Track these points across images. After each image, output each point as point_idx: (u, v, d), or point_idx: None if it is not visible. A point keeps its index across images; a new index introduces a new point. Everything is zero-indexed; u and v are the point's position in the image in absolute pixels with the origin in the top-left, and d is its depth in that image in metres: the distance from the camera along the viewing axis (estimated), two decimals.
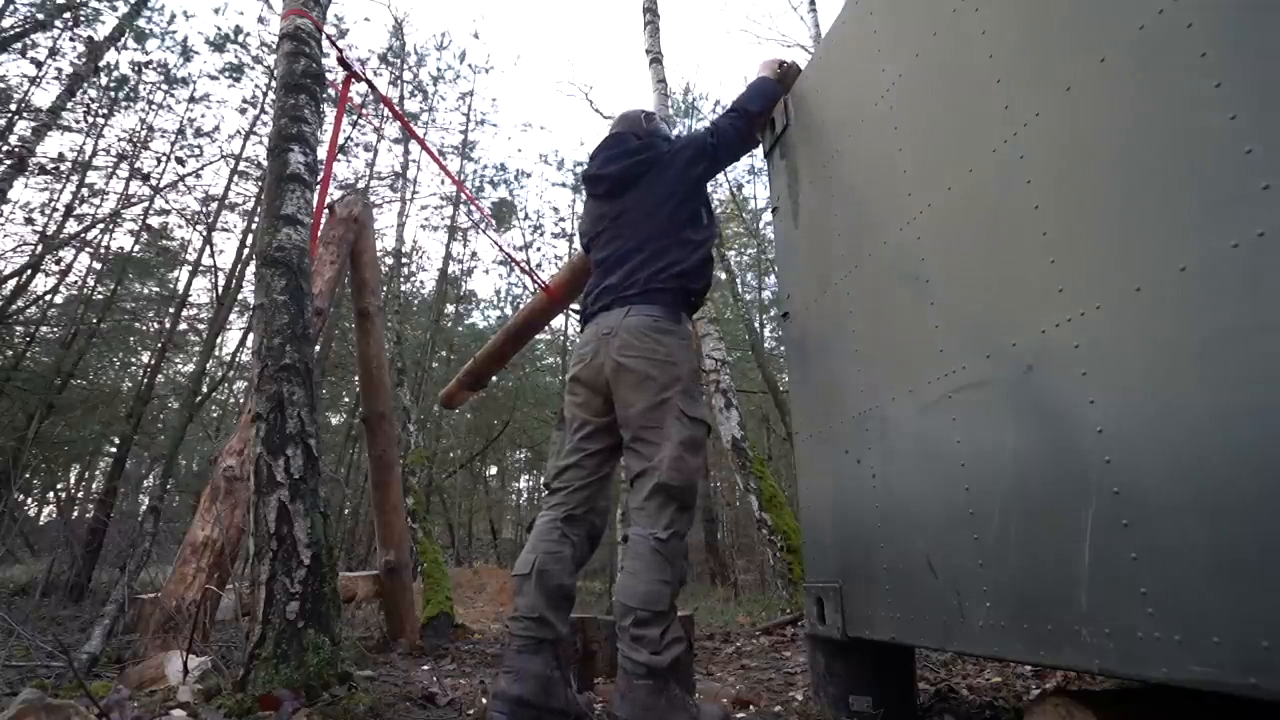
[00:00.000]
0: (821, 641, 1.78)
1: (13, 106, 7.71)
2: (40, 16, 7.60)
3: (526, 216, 15.07)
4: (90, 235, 9.24)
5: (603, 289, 1.86)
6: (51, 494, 11.41)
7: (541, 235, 14.82)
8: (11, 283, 8.00)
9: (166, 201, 9.90)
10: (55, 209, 9.23)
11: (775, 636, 3.55)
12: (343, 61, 2.55)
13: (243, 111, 10.71)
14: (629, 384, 1.69)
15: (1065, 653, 1.07)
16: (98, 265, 9.86)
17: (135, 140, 9.85)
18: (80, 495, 12.51)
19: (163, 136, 10.44)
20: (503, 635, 4.33)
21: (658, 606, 1.50)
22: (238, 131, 11.96)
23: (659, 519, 1.59)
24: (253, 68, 10.41)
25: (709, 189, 2.07)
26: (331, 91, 2.82)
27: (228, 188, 10.23)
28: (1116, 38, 1.08)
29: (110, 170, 9.77)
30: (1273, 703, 0.81)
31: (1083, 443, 1.07)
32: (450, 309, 14.39)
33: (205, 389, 9.89)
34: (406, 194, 10.60)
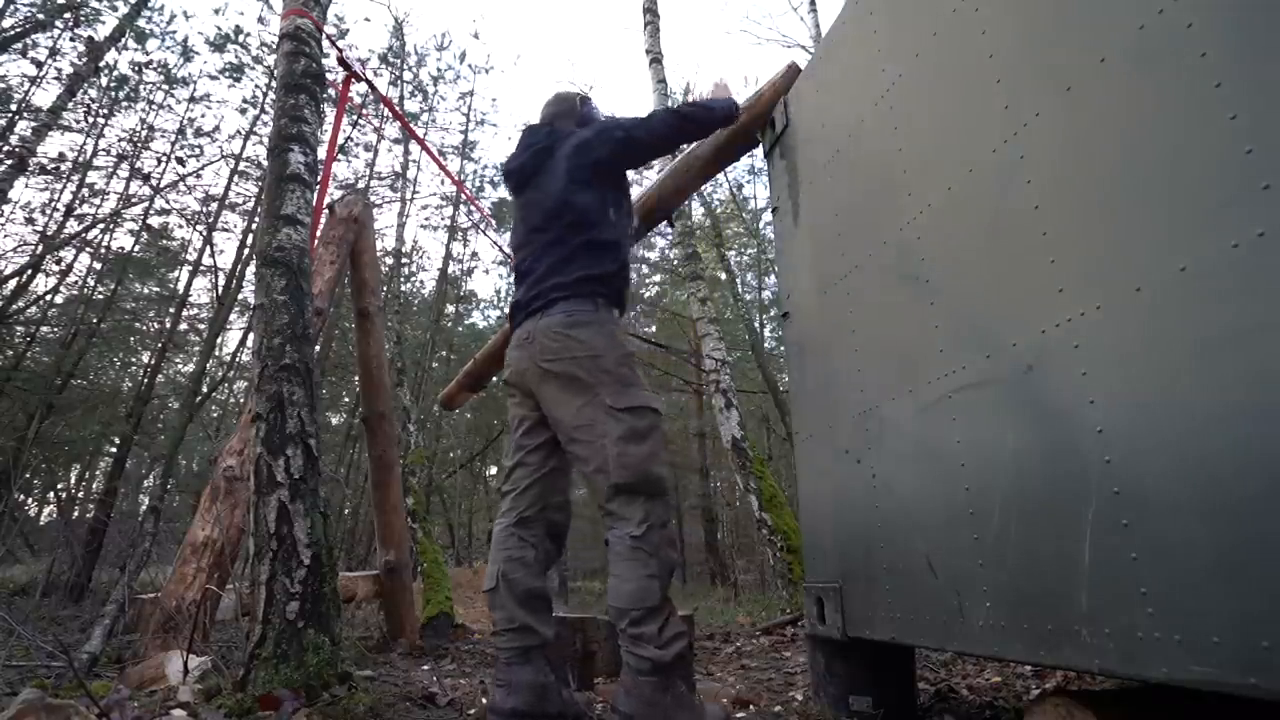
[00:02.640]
0: (821, 641, 1.78)
1: (13, 106, 7.71)
2: (41, 17, 7.60)
3: None
4: (90, 235, 9.24)
5: (514, 306, 1.78)
6: (52, 494, 11.41)
7: None
8: (12, 283, 8.00)
9: (167, 201, 9.90)
10: (56, 209, 9.23)
11: (775, 636, 3.55)
12: (343, 61, 2.55)
13: (243, 111, 10.71)
14: (554, 388, 1.62)
15: (1065, 653, 1.07)
16: (98, 265, 9.86)
17: (135, 140, 9.85)
18: (80, 495, 12.51)
19: (163, 136, 10.44)
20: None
21: (648, 603, 1.47)
22: (238, 131, 11.97)
23: (630, 516, 1.54)
24: (253, 68, 10.41)
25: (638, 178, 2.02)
26: (331, 91, 2.82)
27: (228, 188, 10.23)
28: (1116, 38, 1.08)
29: (110, 170, 9.78)
30: (1273, 703, 0.81)
31: (1083, 443, 1.07)
32: (450, 309, 14.38)
33: (205, 389, 9.89)
34: (406, 194, 10.60)
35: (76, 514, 11.19)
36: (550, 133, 1.89)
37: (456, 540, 14.33)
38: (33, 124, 7.30)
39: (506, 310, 1.88)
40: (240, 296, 9.55)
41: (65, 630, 4.12)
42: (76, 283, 9.73)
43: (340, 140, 8.59)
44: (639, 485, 1.54)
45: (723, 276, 12.63)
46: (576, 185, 1.75)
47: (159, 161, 10.04)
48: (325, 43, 2.52)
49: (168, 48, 10.28)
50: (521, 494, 1.70)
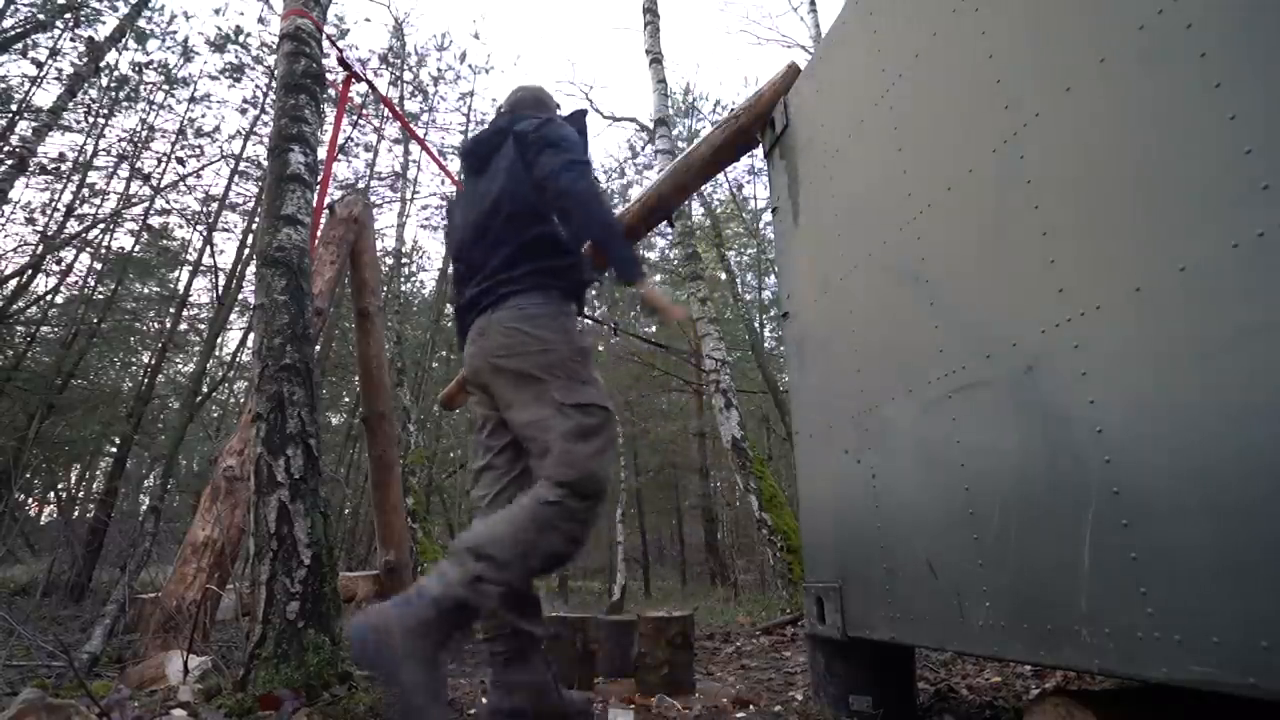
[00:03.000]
0: (821, 641, 1.78)
1: (14, 107, 7.71)
2: (41, 17, 7.61)
3: None
4: (91, 235, 9.23)
5: (462, 307, 1.69)
6: (52, 494, 11.42)
7: None
8: (12, 283, 8.00)
9: (167, 201, 9.90)
10: (56, 209, 9.23)
11: (775, 636, 3.55)
12: (343, 62, 2.55)
13: (243, 112, 10.71)
14: (506, 385, 1.55)
15: (1065, 653, 1.07)
16: (98, 265, 9.86)
17: (136, 140, 9.84)
18: (81, 495, 12.51)
19: (163, 137, 10.43)
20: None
21: (494, 551, 1.33)
22: (238, 132, 11.95)
23: (548, 490, 1.43)
24: (253, 68, 10.40)
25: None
26: (331, 92, 2.83)
27: (228, 188, 10.23)
28: (1116, 38, 1.08)
29: (111, 170, 9.77)
30: (1273, 703, 0.81)
31: (1083, 443, 1.07)
32: (450, 309, 14.38)
33: (205, 389, 9.89)
34: (406, 194, 10.61)
35: (77, 514, 11.20)
36: (513, 118, 1.78)
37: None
38: (33, 124, 7.30)
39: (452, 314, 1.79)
40: (240, 296, 9.55)
41: (65, 630, 4.12)
42: (77, 283, 9.74)
43: (340, 140, 8.59)
44: (578, 484, 1.43)
45: (723, 276, 12.63)
46: (523, 175, 1.63)
47: (159, 161, 10.05)
48: (325, 43, 2.52)
49: (168, 48, 10.28)
50: (495, 499, 1.63)
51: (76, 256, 9.39)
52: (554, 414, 1.47)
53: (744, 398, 9.04)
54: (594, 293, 12.52)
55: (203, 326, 10.91)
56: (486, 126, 1.84)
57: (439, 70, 13.05)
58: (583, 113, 1.83)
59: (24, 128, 7.53)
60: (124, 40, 8.90)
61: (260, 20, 11.04)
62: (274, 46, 7.53)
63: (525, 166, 1.64)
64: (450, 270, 1.90)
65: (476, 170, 1.80)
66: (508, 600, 1.50)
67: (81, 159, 9.38)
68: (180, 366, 12.62)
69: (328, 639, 1.74)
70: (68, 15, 7.76)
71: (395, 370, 6.29)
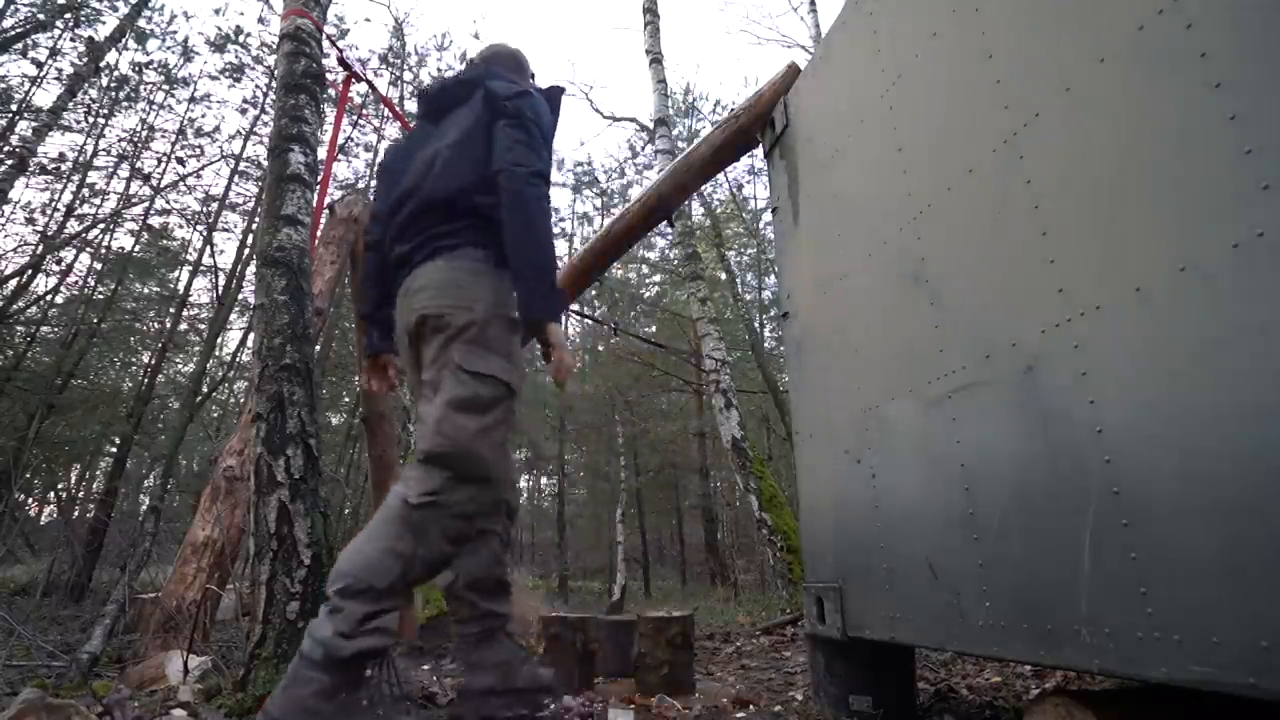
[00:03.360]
0: (821, 641, 1.78)
1: (14, 107, 7.71)
2: (41, 17, 7.61)
3: None
4: (91, 235, 9.24)
5: (396, 263, 1.53)
6: (52, 494, 11.41)
7: None
8: (12, 283, 8.00)
9: (167, 201, 9.90)
10: (56, 209, 9.23)
11: (775, 636, 3.55)
12: (343, 62, 2.55)
13: (243, 112, 10.70)
14: (425, 339, 1.42)
15: (1065, 652, 1.07)
16: (98, 265, 9.87)
17: (136, 140, 9.84)
18: (81, 495, 12.50)
19: (163, 137, 10.44)
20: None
21: (375, 580, 1.20)
22: (238, 131, 11.95)
23: (419, 481, 1.29)
24: (253, 68, 10.40)
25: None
26: (332, 92, 2.82)
27: (228, 188, 10.23)
28: (1116, 38, 1.08)
29: (111, 170, 9.77)
30: (1273, 703, 0.81)
31: (1083, 443, 1.07)
32: None
33: (205, 389, 9.88)
34: None
35: (77, 514, 11.19)
36: (487, 72, 1.65)
37: None
38: (33, 124, 7.30)
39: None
40: (240, 296, 9.55)
41: (66, 630, 4.12)
42: (77, 283, 9.74)
43: (340, 140, 8.59)
44: (453, 461, 1.28)
45: (723, 276, 12.62)
46: (479, 137, 1.51)
47: (159, 161, 10.05)
48: (325, 43, 2.52)
49: (168, 48, 10.29)
50: None
51: (76, 256, 9.40)
52: (449, 375, 1.34)
53: (744, 398, 9.03)
54: (594, 292, 12.52)
55: (203, 326, 10.91)
56: (453, 74, 1.72)
57: (439, 70, 13.05)
58: (560, 90, 1.73)
59: (24, 128, 7.53)
60: (124, 40, 8.90)
61: (260, 20, 11.05)
62: (274, 46, 7.53)
63: (488, 126, 1.51)
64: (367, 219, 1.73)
65: (430, 118, 1.68)
66: (490, 589, 1.51)
67: (81, 159, 9.39)
68: (180, 366, 12.61)
69: None
70: (68, 15, 7.76)
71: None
